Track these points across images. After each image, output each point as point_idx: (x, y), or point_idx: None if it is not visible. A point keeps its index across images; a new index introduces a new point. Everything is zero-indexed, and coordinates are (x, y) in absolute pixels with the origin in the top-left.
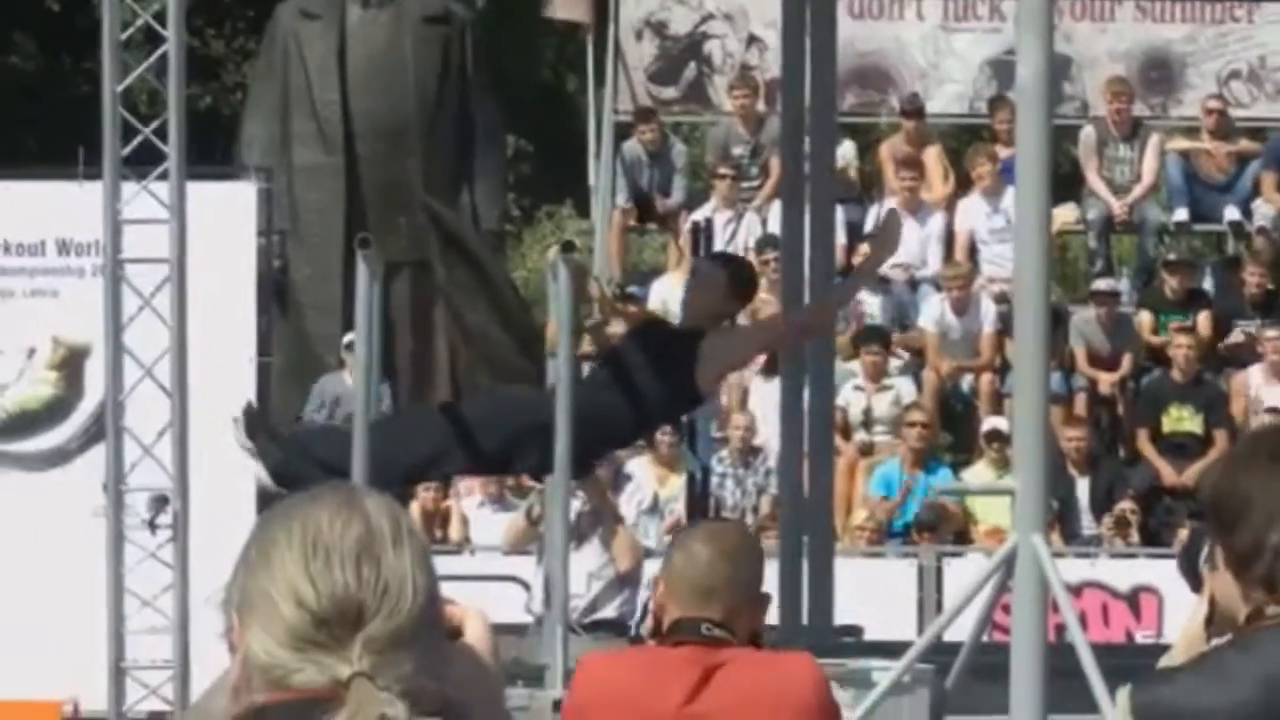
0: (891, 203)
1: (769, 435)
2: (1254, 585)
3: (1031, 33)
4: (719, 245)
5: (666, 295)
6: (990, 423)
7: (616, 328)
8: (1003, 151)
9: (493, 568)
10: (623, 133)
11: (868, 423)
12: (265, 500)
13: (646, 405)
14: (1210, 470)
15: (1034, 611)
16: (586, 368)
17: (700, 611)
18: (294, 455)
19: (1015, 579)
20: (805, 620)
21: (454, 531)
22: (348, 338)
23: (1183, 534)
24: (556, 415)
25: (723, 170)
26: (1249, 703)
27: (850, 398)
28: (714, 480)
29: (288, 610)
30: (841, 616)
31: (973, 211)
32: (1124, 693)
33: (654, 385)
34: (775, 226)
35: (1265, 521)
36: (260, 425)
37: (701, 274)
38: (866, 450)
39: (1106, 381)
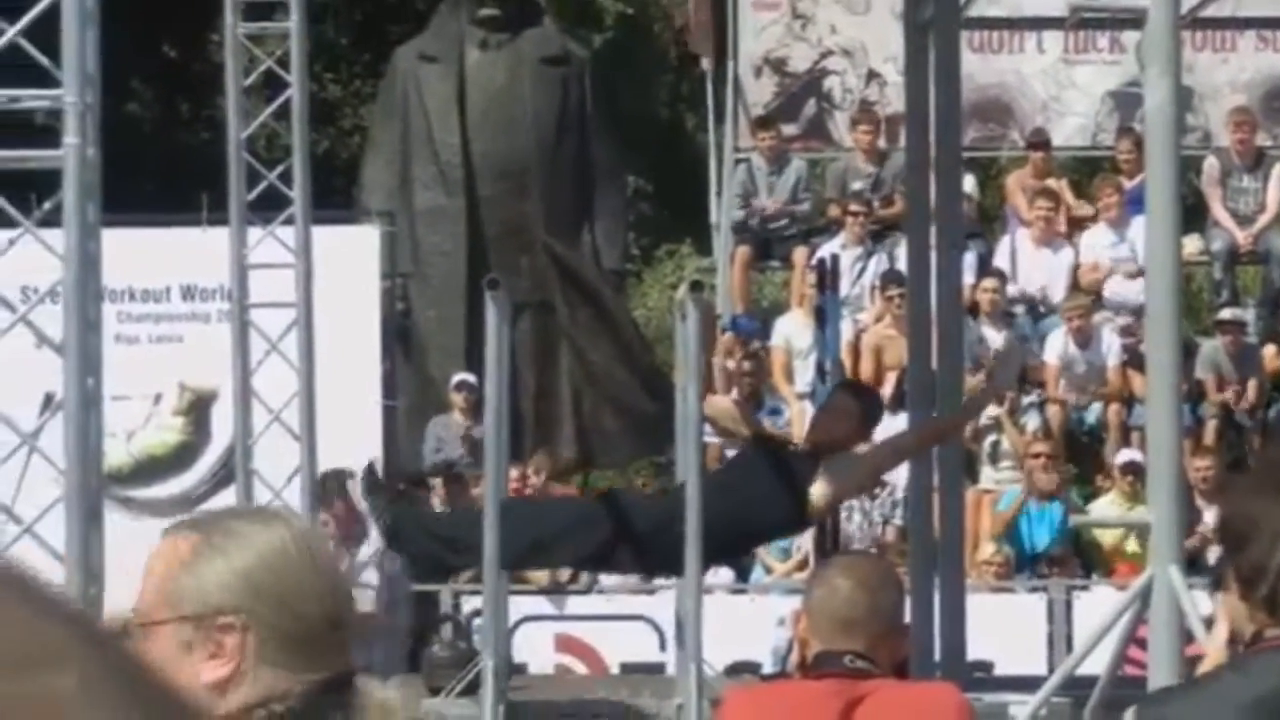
0: (1024, 234)
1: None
2: (1258, 607)
3: (1157, 64)
4: (845, 282)
5: (789, 332)
6: (1124, 455)
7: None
8: (1127, 183)
9: (621, 608)
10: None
11: (995, 457)
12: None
13: (754, 524)
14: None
15: (1171, 644)
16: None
17: (843, 644)
18: (407, 520)
19: (1151, 612)
20: (937, 656)
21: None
22: (456, 378)
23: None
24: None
25: (853, 207)
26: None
27: (986, 432)
28: (841, 513)
29: None
30: (972, 652)
31: (1097, 243)
32: (1130, 713)
33: (767, 507)
34: (902, 263)
35: (1270, 544)
36: (376, 486)
37: (835, 403)
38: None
39: (1235, 411)
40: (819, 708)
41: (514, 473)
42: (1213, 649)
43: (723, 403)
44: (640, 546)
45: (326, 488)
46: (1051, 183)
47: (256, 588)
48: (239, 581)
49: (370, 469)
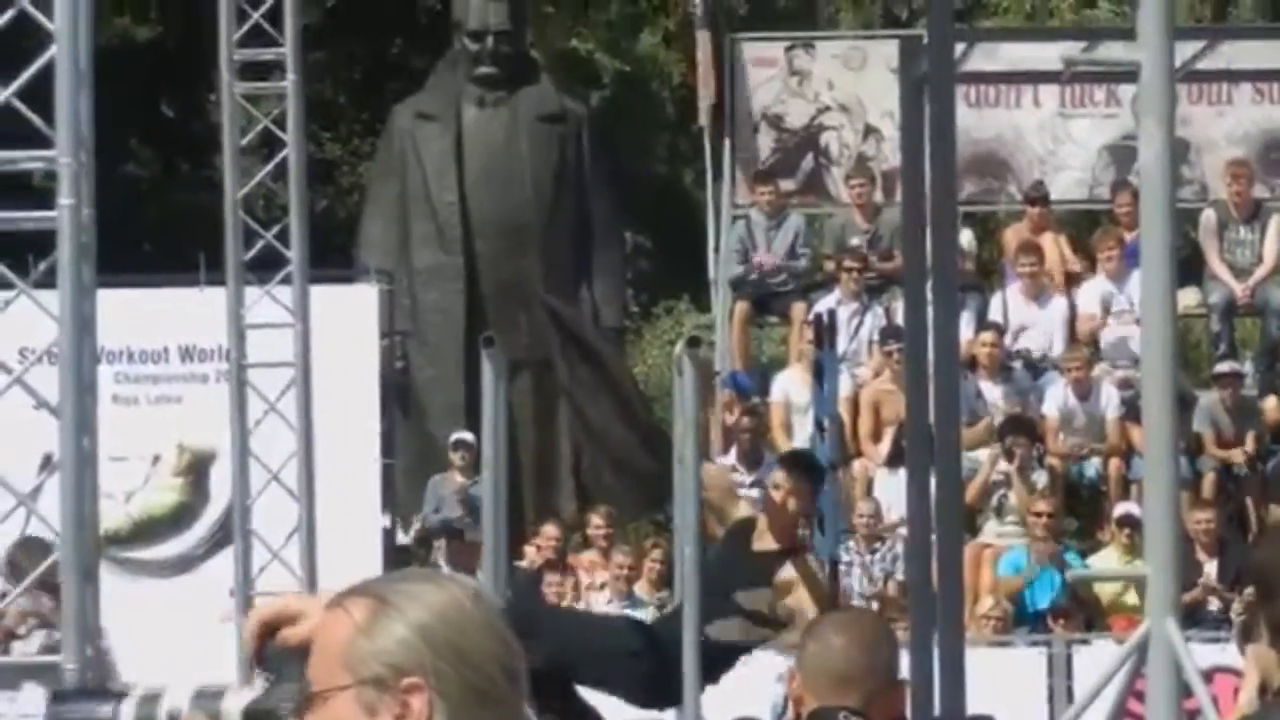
0: (1014, 288)
1: (893, 520)
2: None
3: (1152, 116)
4: (843, 337)
5: (788, 388)
6: (1121, 508)
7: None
8: (1126, 235)
9: None
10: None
11: (1001, 511)
12: None
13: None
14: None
15: (1169, 698)
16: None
17: (838, 700)
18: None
19: (1149, 665)
20: (937, 711)
21: None
22: (454, 436)
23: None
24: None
25: (849, 263)
26: None
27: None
28: (841, 569)
29: None
30: (972, 706)
31: (1095, 295)
32: None
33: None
34: (900, 318)
35: None
36: None
37: (782, 485)
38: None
39: (1234, 464)
40: None
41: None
42: (1244, 699)
43: (720, 478)
44: (652, 681)
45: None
46: (1049, 236)
47: (437, 645)
48: (420, 640)
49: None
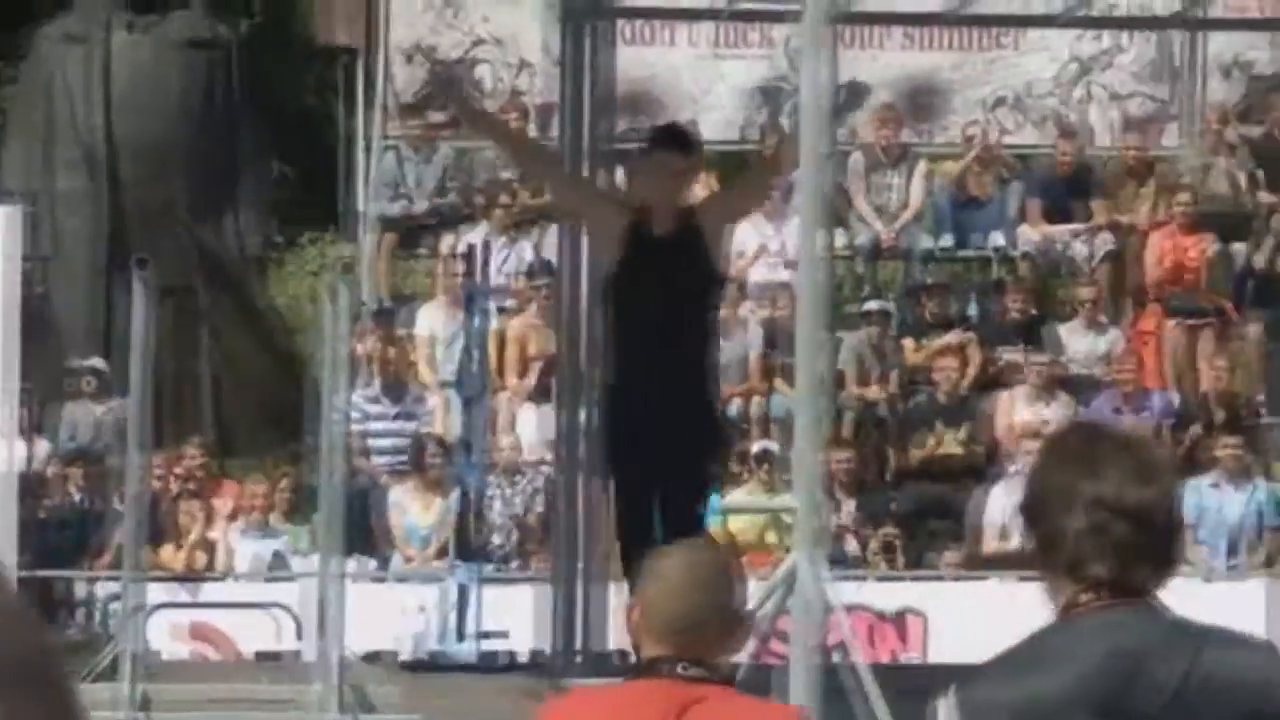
0: None
1: (534, 456)
2: (1060, 576)
3: (811, 55)
4: (493, 271)
5: (431, 321)
6: (760, 445)
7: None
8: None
9: (256, 595)
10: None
11: None
12: None
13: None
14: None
15: (813, 630)
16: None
17: (676, 641)
18: None
19: (794, 598)
20: (579, 645)
21: (219, 560)
22: (87, 362)
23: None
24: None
25: (503, 198)
26: (1082, 682)
27: None
28: (484, 500)
29: None
30: (615, 641)
31: (753, 236)
32: (950, 694)
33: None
34: (549, 252)
35: (1062, 510)
36: None
37: (649, 163)
38: None
39: (873, 403)
40: (641, 717)
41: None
42: None
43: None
44: None
45: None
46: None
47: None
48: None
49: None
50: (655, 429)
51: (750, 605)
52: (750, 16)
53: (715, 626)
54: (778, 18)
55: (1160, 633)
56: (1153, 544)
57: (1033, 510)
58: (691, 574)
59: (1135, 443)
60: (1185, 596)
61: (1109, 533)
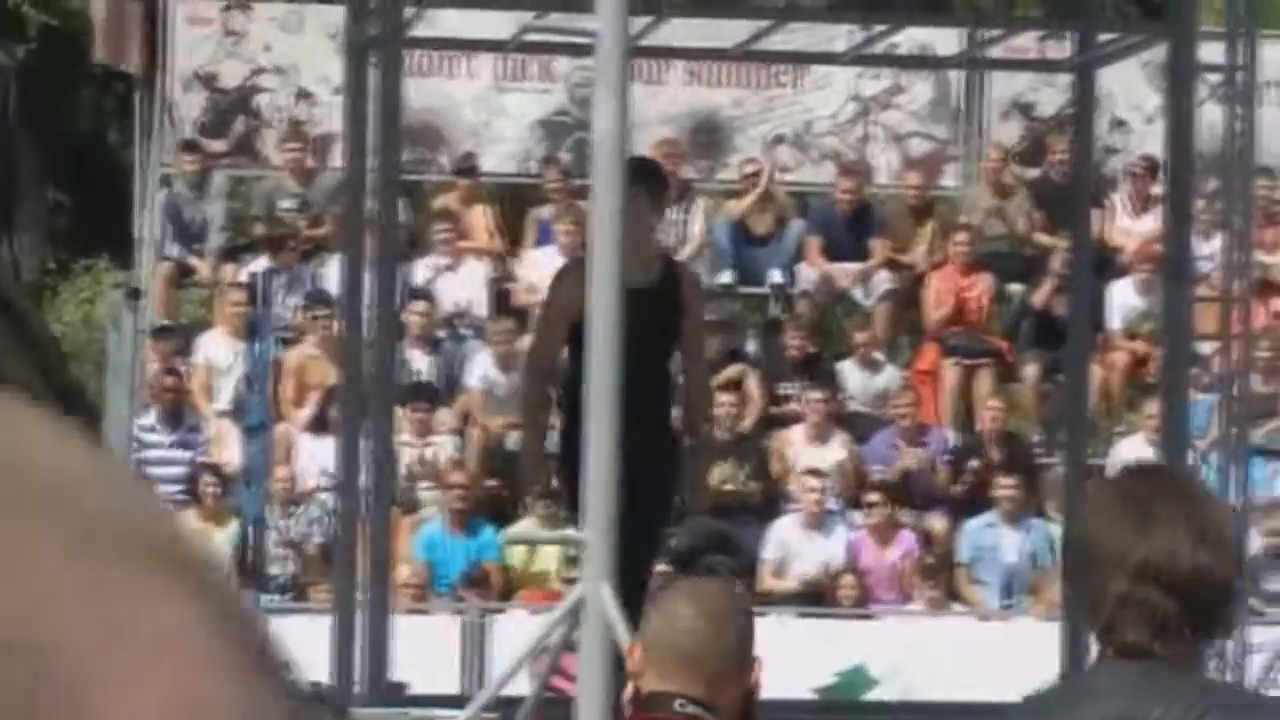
0: (433, 257)
1: (310, 485)
2: (1094, 631)
3: (606, 86)
4: (275, 302)
5: (210, 350)
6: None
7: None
8: (545, 211)
9: None
10: (170, 185)
11: (411, 477)
12: None
13: None
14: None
15: (602, 661)
16: None
17: (682, 679)
18: None
19: (584, 628)
20: (357, 676)
21: None
22: None
23: None
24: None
25: (280, 231)
26: None
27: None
28: (264, 530)
29: None
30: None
31: (536, 266)
32: None
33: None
34: (328, 284)
35: (1106, 570)
36: None
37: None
38: (410, 509)
39: None
40: None
41: None
42: None
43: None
44: None
45: None
46: (478, 209)
47: None
48: None
49: None
50: (630, 468)
51: (535, 634)
52: (538, 49)
53: (720, 662)
54: (570, 50)
55: (1173, 694)
56: (1196, 614)
57: (1078, 559)
58: (698, 609)
59: (1197, 499)
60: (961, 636)
61: (1148, 604)
